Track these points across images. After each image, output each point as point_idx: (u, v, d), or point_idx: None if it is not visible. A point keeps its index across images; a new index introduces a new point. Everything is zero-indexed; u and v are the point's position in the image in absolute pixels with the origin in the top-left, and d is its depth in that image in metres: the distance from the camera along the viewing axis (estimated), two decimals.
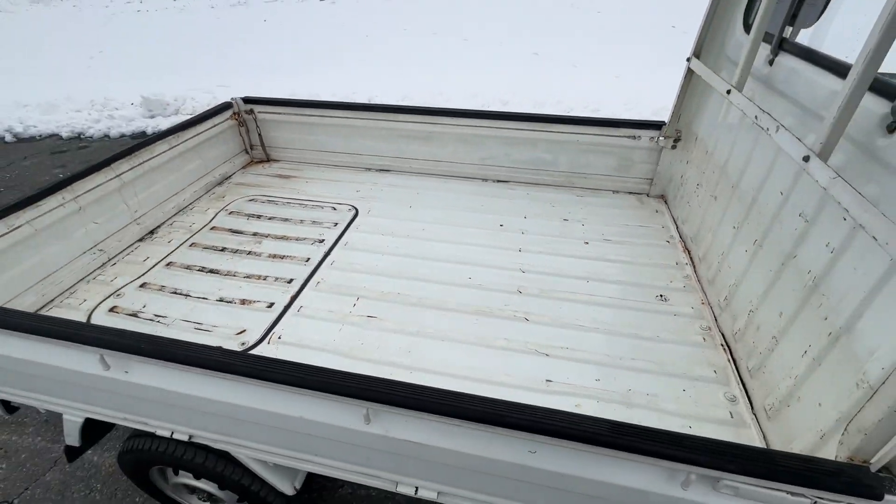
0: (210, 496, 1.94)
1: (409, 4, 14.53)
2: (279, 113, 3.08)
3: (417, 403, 1.09)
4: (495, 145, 2.88)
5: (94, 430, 1.75)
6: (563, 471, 1.09)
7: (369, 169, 3.15)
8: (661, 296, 2.02)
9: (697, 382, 1.63)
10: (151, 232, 2.50)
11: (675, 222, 2.51)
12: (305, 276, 2.15)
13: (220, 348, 1.23)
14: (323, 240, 2.40)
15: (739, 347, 1.69)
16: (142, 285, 2.10)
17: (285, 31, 12.01)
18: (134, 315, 1.94)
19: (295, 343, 1.80)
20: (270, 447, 1.40)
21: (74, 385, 1.41)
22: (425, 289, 2.06)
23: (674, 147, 2.57)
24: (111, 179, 2.25)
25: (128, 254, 2.33)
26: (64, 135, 6.77)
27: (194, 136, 2.75)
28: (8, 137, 6.74)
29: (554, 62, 9.09)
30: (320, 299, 2.02)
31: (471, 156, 2.95)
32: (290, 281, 2.12)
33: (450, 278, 2.12)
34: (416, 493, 1.36)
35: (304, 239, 2.42)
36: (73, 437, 1.78)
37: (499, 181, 2.98)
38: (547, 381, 1.64)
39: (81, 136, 6.75)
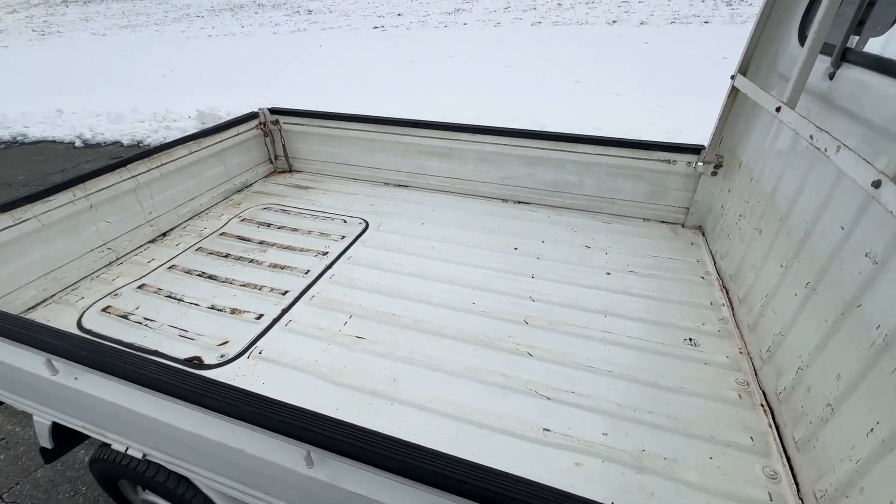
0: None
1: (454, 33, 14.89)
2: (303, 124, 3.09)
3: (360, 453, 0.91)
4: (517, 164, 2.72)
5: (66, 434, 1.69)
6: None
7: (387, 184, 3.07)
8: (691, 339, 1.75)
9: (729, 449, 1.35)
10: (164, 234, 2.51)
11: (713, 257, 2.23)
12: (301, 288, 2.05)
13: (162, 364, 1.11)
14: (327, 252, 2.31)
15: (784, 411, 1.39)
16: (140, 287, 2.08)
17: (338, 55, 12.56)
18: (124, 317, 1.90)
19: (274, 360, 1.68)
20: (222, 478, 1.26)
21: (32, 387, 1.35)
22: (423, 311, 1.90)
23: (714, 174, 2.31)
24: (126, 180, 2.28)
25: (136, 254, 2.33)
26: (125, 142, 7.27)
27: (217, 142, 2.78)
28: (77, 143, 7.32)
29: (596, 90, 8.89)
30: (311, 314, 1.90)
31: (491, 174, 2.81)
32: (285, 293, 2.03)
33: (451, 302, 1.95)
34: None
35: (308, 250, 2.33)
36: (44, 439, 1.71)
37: (519, 202, 2.80)
38: (544, 429, 1.42)
39: (140, 144, 7.23)
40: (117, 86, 10.43)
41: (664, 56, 11.40)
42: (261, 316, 1.89)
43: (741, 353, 1.69)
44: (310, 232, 2.50)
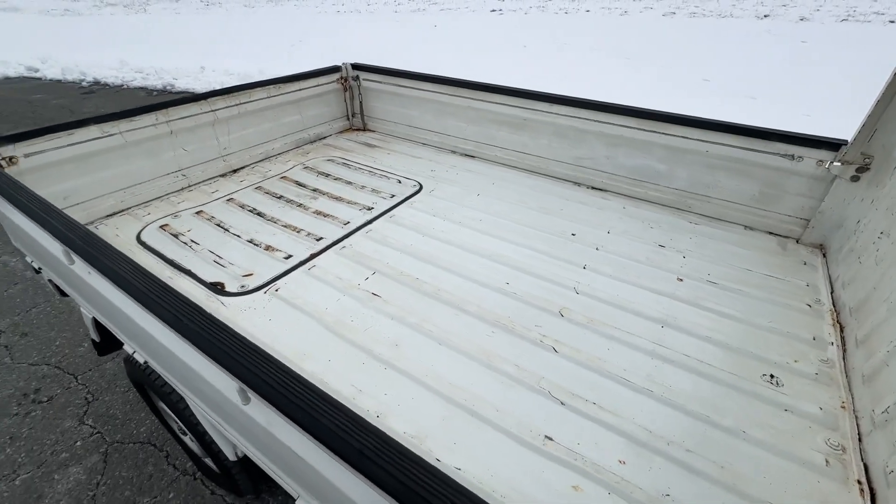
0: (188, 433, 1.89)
1: (574, 20, 14.05)
2: (381, 82, 3.04)
3: (284, 404, 0.78)
4: (596, 144, 2.38)
5: (106, 330, 1.83)
6: None
7: (454, 152, 2.91)
8: (772, 376, 1.35)
9: None
10: (234, 171, 2.64)
11: (831, 283, 1.72)
12: (336, 238, 1.99)
13: (140, 272, 1.08)
14: (372, 208, 2.24)
15: (893, 497, 0.99)
16: (197, 212, 2.19)
17: (449, 36, 12.59)
18: (175, 236, 2.00)
19: (287, 299, 1.64)
20: (197, 399, 1.24)
21: (61, 274, 1.44)
22: (448, 281, 1.73)
23: (855, 178, 1.77)
24: (206, 112, 2.41)
25: (205, 184, 2.47)
26: None
27: (296, 90, 2.84)
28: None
29: (725, 92, 7.75)
30: (336, 264, 1.83)
31: (566, 153, 2.50)
32: (319, 239, 1.99)
33: (482, 277, 1.75)
34: None
35: (355, 203, 2.28)
36: (91, 331, 1.89)
37: (593, 188, 2.46)
38: (547, 437, 1.18)
39: None
40: (253, 50, 11.59)
41: (826, 58, 9.58)
42: (289, 256, 1.87)
43: (843, 407, 1.26)
44: (363, 187, 2.45)
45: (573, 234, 2.03)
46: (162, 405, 1.89)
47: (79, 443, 2.27)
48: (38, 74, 9.85)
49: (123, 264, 1.14)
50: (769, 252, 1.95)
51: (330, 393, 1.26)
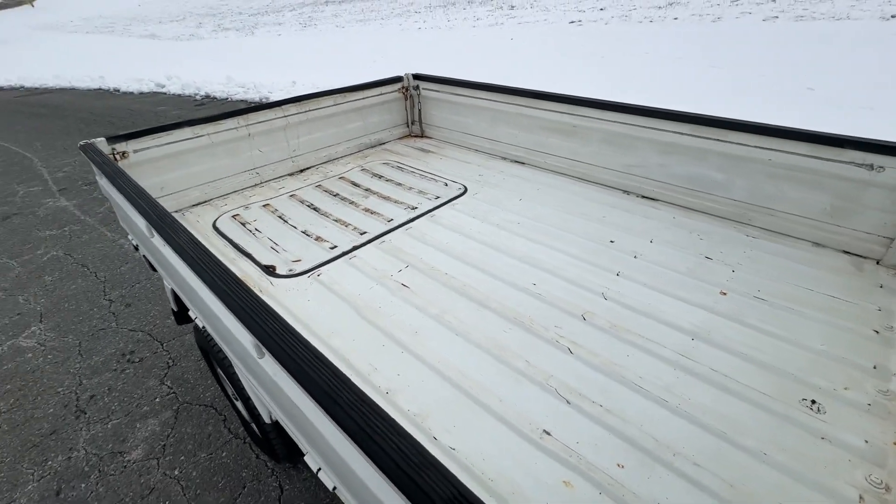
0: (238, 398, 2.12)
1: (659, 28, 13.36)
2: (439, 91, 3.19)
3: (286, 361, 0.89)
4: (647, 151, 2.30)
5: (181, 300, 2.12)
6: None
7: (505, 158, 2.95)
8: (814, 402, 1.23)
9: None
10: (301, 171, 2.92)
11: None
12: (378, 233, 2.14)
13: (193, 241, 1.29)
14: (416, 207, 2.36)
15: None
16: (264, 205, 2.46)
17: (521, 49, 12.62)
18: (243, 224, 2.28)
19: (326, 284, 1.80)
20: (232, 355, 1.42)
21: (148, 250, 1.72)
22: (475, 278, 1.78)
23: None
24: (279, 118, 2.71)
25: (274, 181, 2.77)
26: None
27: (360, 98, 3.08)
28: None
29: (834, 101, 6.93)
30: (374, 256, 1.97)
31: (616, 160, 2.44)
32: (364, 233, 2.14)
33: (510, 277, 1.78)
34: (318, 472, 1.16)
35: (402, 203, 2.42)
36: (171, 301, 2.20)
37: (644, 197, 2.37)
38: (545, 431, 1.18)
39: None
40: (339, 66, 12.55)
41: None
42: (335, 247, 2.05)
43: (895, 443, 1.11)
44: (411, 188, 2.59)
45: (612, 241, 1.98)
46: (219, 370, 2.15)
47: (157, 399, 2.64)
48: (164, 90, 11.51)
49: (181, 234, 1.35)
50: (839, 272, 1.75)
51: (348, 368, 1.37)
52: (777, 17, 13.12)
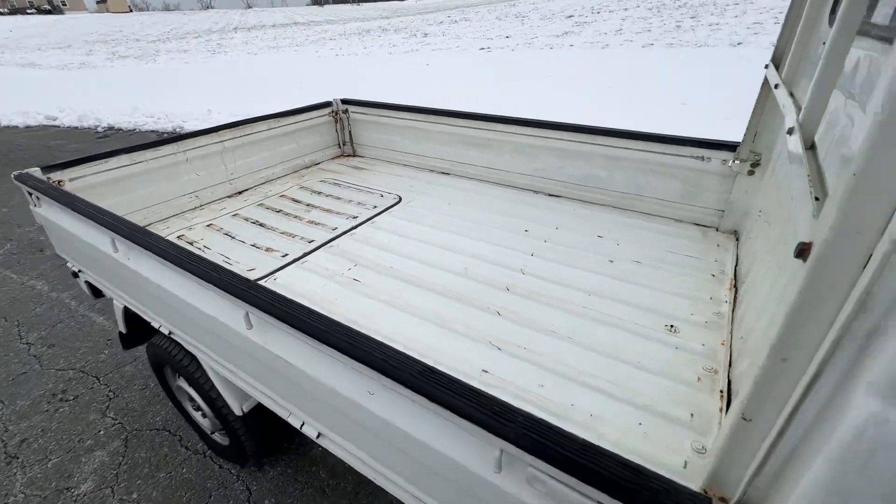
0: (199, 408, 2.20)
1: (559, 54, 14.92)
2: (367, 114, 3.50)
3: (282, 314, 1.13)
4: (549, 157, 2.78)
5: (136, 321, 2.18)
6: (391, 420, 1.00)
7: (432, 170, 3.32)
8: (672, 326, 1.68)
9: (660, 420, 1.30)
10: (239, 192, 3.05)
11: (738, 259, 2.07)
12: (325, 240, 2.36)
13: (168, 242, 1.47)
14: (357, 216, 2.62)
15: (742, 395, 1.30)
16: (208, 225, 2.58)
17: (438, 74, 13.41)
18: (190, 244, 2.38)
19: (284, 286, 1.99)
20: (205, 348, 1.58)
21: (101, 265, 1.81)
22: (416, 269, 2.08)
23: (751, 173, 2.15)
24: (215, 143, 2.84)
25: (214, 203, 2.88)
26: None
27: (292, 123, 3.29)
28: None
29: (702, 113, 8.28)
30: (324, 259, 2.20)
31: (525, 166, 2.90)
32: (311, 241, 2.36)
33: (445, 265, 2.11)
34: (301, 427, 1.38)
35: (343, 214, 2.66)
36: (120, 322, 2.23)
37: (550, 195, 2.85)
38: (483, 370, 1.50)
39: None
40: (258, 94, 12.38)
41: None
42: (286, 255, 2.24)
43: (723, 344, 1.58)
44: (350, 201, 2.85)
45: (526, 231, 2.40)
46: (177, 384, 2.21)
47: (102, 432, 2.57)
48: (56, 122, 10.55)
49: (159, 238, 1.52)
50: (691, 239, 2.30)
51: None
52: (653, 44, 15.25)
